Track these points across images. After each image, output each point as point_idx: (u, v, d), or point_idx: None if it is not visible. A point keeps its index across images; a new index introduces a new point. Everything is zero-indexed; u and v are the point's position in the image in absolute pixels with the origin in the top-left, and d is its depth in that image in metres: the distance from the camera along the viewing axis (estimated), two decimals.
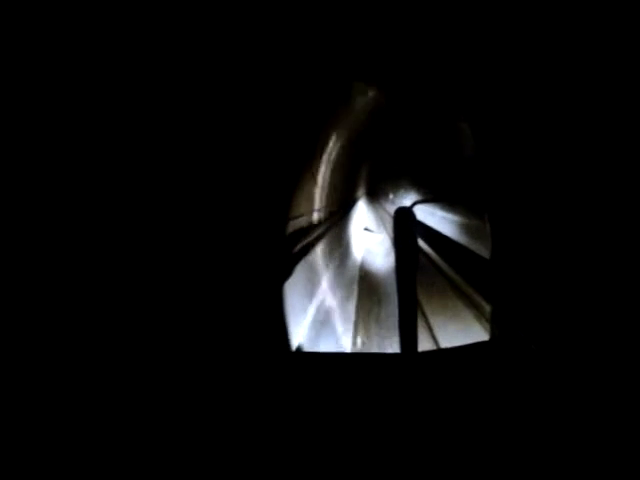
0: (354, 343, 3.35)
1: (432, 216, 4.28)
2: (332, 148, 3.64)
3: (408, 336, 2.42)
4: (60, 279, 1.19)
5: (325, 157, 3.44)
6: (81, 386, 1.18)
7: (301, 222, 2.74)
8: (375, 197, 6.57)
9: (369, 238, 5.65)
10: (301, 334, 2.50)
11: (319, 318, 2.88)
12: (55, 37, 1.16)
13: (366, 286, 4.36)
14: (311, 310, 2.79)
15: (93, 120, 1.28)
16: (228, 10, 1.61)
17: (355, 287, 4.23)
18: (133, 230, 1.39)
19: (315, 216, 3.17)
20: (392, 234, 3.74)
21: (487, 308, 2.50)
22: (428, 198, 4.64)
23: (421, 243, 2.98)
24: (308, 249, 2.83)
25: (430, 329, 3.11)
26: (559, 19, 1.41)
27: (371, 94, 3.77)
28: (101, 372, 1.23)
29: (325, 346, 2.84)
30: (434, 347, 2.91)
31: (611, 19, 1.21)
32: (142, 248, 1.43)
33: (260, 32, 1.81)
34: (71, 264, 1.21)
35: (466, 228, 3.64)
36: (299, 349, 2.39)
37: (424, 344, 2.70)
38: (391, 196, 5.88)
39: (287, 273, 2.43)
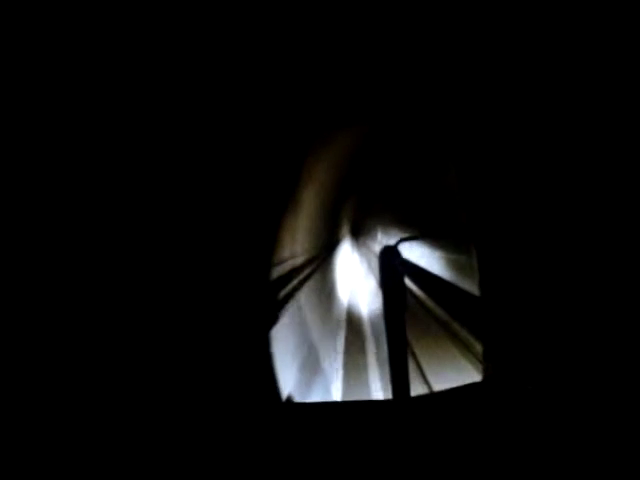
0: (345, 390, 3.37)
1: (418, 254, 4.37)
2: (314, 189, 3.72)
3: (400, 380, 2.44)
4: (52, 278, 1.21)
5: (307, 198, 3.52)
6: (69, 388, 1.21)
7: (285, 267, 2.79)
8: (359, 236, 6.65)
9: (355, 279, 5.69)
10: (290, 383, 2.51)
11: (308, 365, 2.91)
12: (55, 38, 1.19)
13: (354, 330, 4.39)
14: (299, 358, 2.83)
15: (83, 121, 1.30)
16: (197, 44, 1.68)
17: (343, 331, 4.29)
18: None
19: (299, 260, 3.22)
20: (378, 274, 3.79)
21: (479, 347, 2.53)
22: (414, 235, 4.74)
23: (408, 282, 3.04)
24: (293, 294, 2.87)
25: (422, 371, 3.14)
26: (539, 54, 1.52)
27: (354, 132, 3.88)
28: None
29: (316, 395, 2.86)
30: (427, 390, 2.92)
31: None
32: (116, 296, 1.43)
33: (238, 66, 1.87)
34: (62, 264, 1.24)
35: (454, 265, 3.73)
36: (289, 399, 2.40)
37: (416, 387, 2.72)
38: (376, 235, 5.98)
39: (273, 320, 2.45)
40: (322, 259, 4.22)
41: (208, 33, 1.66)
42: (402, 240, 3.95)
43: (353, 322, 4.55)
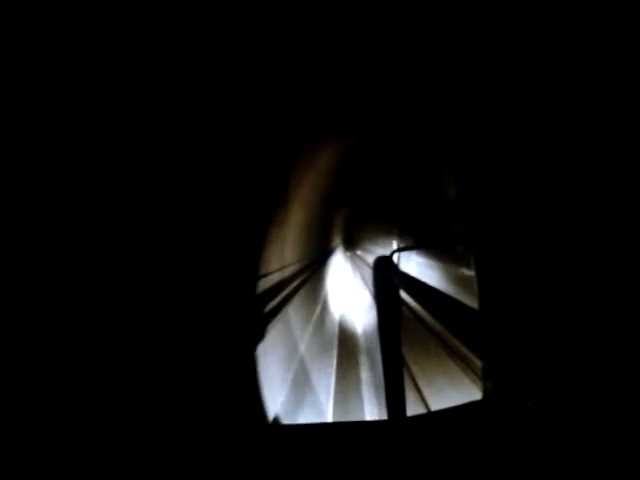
0: (336, 410, 3.29)
1: (414, 264, 4.34)
2: (304, 197, 3.69)
3: (395, 399, 2.38)
4: (48, 279, 1.23)
5: (296, 207, 3.48)
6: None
7: (272, 279, 2.74)
8: (352, 247, 6.64)
9: (348, 292, 5.65)
10: (278, 403, 2.45)
11: (297, 384, 2.83)
12: (56, 38, 1.22)
13: (347, 346, 4.30)
14: (288, 375, 2.74)
15: (84, 121, 1.34)
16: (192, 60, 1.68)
17: (335, 347, 4.18)
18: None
19: (287, 272, 3.17)
20: (372, 286, 3.75)
21: (478, 364, 2.50)
22: (409, 246, 4.72)
23: (404, 295, 2.98)
24: (280, 309, 2.82)
25: (418, 389, 3.08)
26: (536, 64, 1.52)
27: (347, 141, 3.88)
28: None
29: (305, 416, 2.78)
30: (423, 409, 2.87)
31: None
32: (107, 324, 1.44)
33: (227, 75, 1.88)
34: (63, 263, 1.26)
35: (451, 276, 3.69)
36: (276, 421, 2.33)
37: (412, 407, 2.66)
38: (369, 245, 5.96)
39: (260, 336, 2.40)
40: (313, 271, 4.17)
41: (200, 46, 1.69)
42: (397, 250, 3.92)
43: (346, 337, 4.50)
